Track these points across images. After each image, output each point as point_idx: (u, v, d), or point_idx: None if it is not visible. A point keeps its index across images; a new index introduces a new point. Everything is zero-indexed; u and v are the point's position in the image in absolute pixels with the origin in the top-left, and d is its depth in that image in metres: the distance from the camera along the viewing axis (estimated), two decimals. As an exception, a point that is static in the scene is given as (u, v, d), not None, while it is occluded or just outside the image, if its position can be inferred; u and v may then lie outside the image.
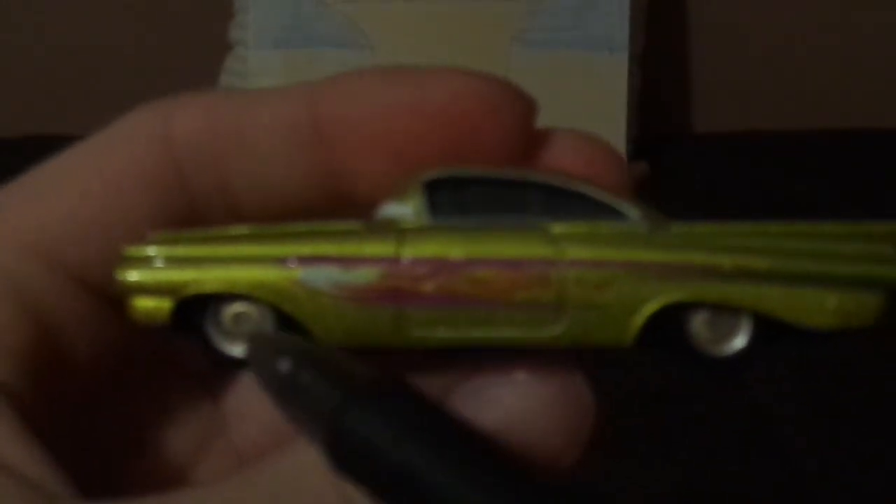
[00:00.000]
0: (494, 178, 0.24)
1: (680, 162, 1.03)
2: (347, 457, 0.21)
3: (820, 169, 0.98)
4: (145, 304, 0.24)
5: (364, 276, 0.23)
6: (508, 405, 0.23)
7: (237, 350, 0.25)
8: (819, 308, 0.23)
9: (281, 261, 0.24)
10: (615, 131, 0.97)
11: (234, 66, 0.99)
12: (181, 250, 0.24)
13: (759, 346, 0.23)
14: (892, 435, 0.67)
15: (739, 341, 0.23)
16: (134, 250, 0.25)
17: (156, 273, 0.24)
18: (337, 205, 0.26)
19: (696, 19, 1.08)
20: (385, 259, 0.23)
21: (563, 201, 0.24)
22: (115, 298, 0.25)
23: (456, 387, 0.24)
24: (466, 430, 0.22)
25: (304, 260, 0.24)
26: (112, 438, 0.27)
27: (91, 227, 0.25)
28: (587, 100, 0.98)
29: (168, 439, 0.28)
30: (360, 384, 0.22)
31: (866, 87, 1.08)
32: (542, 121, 0.26)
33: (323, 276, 0.24)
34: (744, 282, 0.23)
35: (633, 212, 0.24)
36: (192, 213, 0.26)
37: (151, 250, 0.24)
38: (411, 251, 0.23)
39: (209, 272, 0.24)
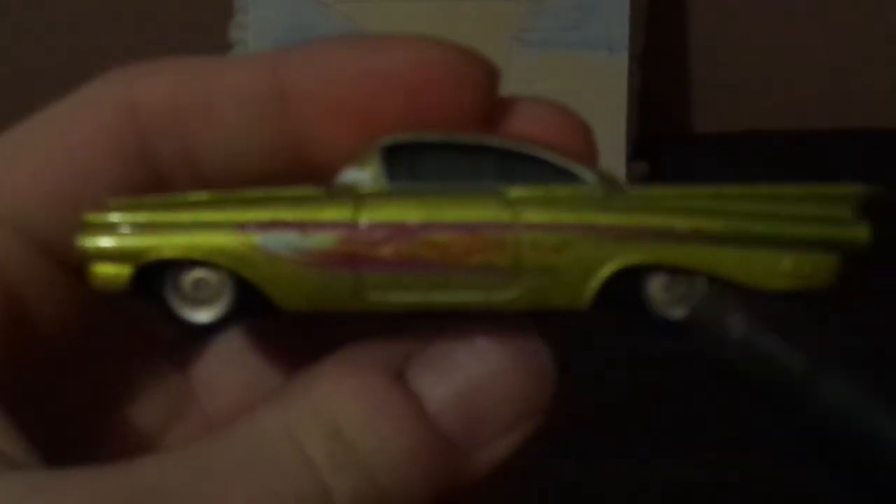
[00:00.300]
0: (453, 143, 0.24)
1: (680, 162, 1.02)
2: (815, 420, 0.21)
3: (820, 169, 0.98)
4: (105, 270, 0.24)
5: (322, 241, 0.24)
6: (469, 370, 0.24)
7: (196, 316, 0.25)
8: (774, 270, 0.23)
9: (240, 227, 0.24)
10: (615, 131, 0.96)
11: (234, 66, 0.99)
12: (141, 216, 0.24)
13: None
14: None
15: None
16: (94, 217, 0.25)
17: (115, 239, 0.24)
18: (302, 173, 0.26)
19: (696, 19, 1.08)
20: (343, 224, 0.24)
21: (520, 166, 0.24)
22: (80, 267, 0.25)
23: (417, 352, 0.24)
24: None
25: (263, 226, 0.24)
26: (80, 408, 0.27)
27: (54, 194, 0.26)
28: (587, 100, 0.98)
29: (137, 409, 0.28)
30: (814, 350, 0.22)
31: (866, 87, 1.07)
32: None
33: (282, 242, 0.24)
34: (700, 244, 0.23)
35: (590, 176, 0.24)
36: (157, 181, 0.26)
37: (111, 216, 0.24)
38: (368, 216, 0.24)
39: (168, 238, 0.24)
